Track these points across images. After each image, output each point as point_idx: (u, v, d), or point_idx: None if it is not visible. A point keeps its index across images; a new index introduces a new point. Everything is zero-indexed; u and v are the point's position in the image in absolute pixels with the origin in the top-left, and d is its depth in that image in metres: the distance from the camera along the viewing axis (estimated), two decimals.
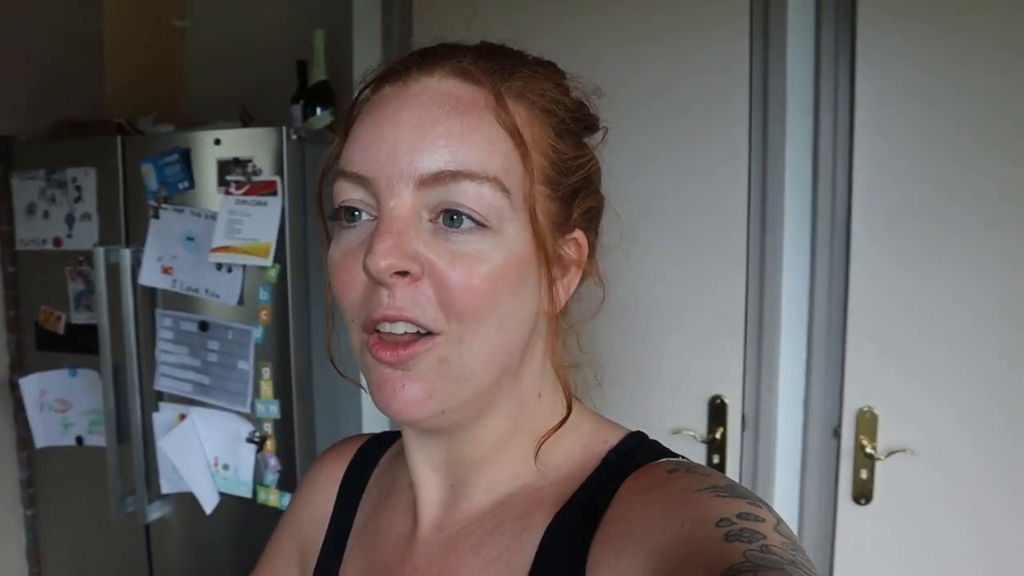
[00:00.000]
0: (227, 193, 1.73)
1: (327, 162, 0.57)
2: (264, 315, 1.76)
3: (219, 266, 1.78)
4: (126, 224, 1.92)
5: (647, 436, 0.59)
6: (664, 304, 1.82)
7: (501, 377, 0.54)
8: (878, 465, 1.69)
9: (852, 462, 1.72)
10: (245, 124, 2.05)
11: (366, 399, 2.08)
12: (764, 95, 1.71)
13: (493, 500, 0.58)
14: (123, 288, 1.84)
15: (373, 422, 2.09)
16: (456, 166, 0.48)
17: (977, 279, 1.61)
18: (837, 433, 1.73)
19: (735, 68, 1.72)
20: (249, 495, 1.82)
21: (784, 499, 1.77)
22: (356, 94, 0.55)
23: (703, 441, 1.82)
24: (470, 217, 0.49)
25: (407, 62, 0.53)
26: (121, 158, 1.90)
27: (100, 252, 1.84)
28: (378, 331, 0.50)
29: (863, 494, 1.71)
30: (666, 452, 0.57)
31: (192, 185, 1.80)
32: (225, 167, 1.76)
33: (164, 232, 1.83)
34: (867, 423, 1.70)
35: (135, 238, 1.91)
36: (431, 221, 0.50)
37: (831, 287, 1.71)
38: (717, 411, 1.81)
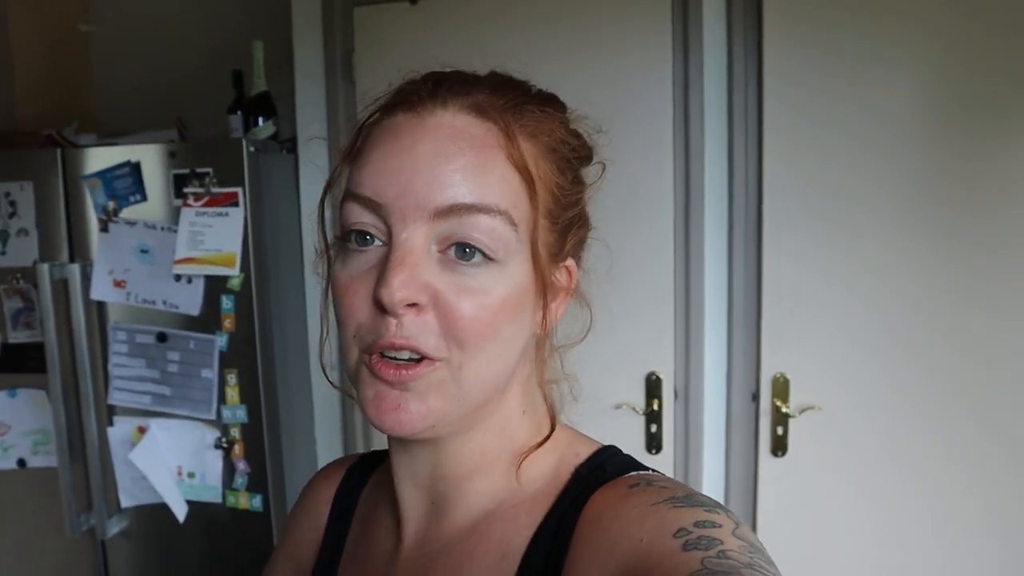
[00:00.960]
0: (186, 205, 1.77)
1: (331, 180, 0.59)
2: (228, 323, 1.82)
3: (178, 277, 1.82)
4: (70, 239, 1.91)
5: (620, 450, 0.62)
6: (604, 290, 2.02)
7: (492, 396, 0.57)
8: (791, 422, 1.98)
9: (770, 421, 1.99)
10: (182, 135, 2.08)
11: (318, 399, 2.17)
12: (685, 103, 1.95)
13: (473, 518, 0.59)
14: (73, 304, 1.85)
15: (324, 418, 2.18)
16: (471, 199, 0.51)
17: (871, 259, 1.93)
18: (756, 397, 2.00)
19: (661, 83, 1.94)
20: (219, 500, 1.88)
21: (712, 457, 2.03)
22: (365, 116, 0.58)
23: (642, 413, 2.04)
24: (480, 250, 0.52)
25: (420, 91, 0.55)
26: (62, 172, 1.89)
27: (44, 268, 1.84)
28: (381, 353, 0.52)
29: (780, 447, 1.99)
30: (635, 465, 0.59)
31: (145, 198, 1.83)
32: (182, 179, 1.79)
33: (115, 246, 1.86)
34: (781, 387, 1.98)
35: (79, 253, 1.91)
36: (440, 252, 0.52)
37: (746, 270, 1.98)
38: (653, 386, 2.04)
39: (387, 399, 0.52)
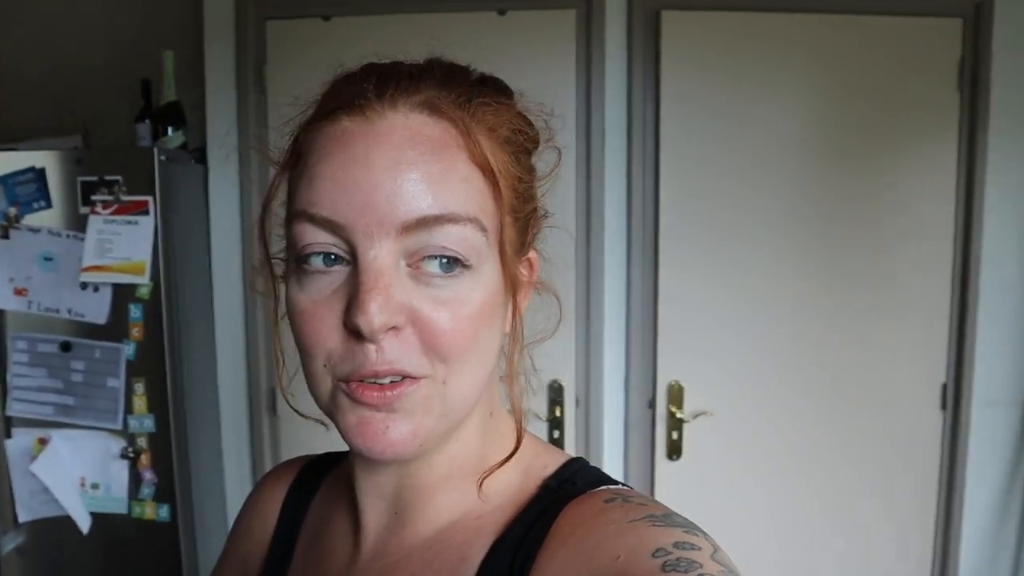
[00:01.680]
0: (94, 212, 1.78)
1: (270, 192, 0.56)
2: (136, 332, 1.83)
3: (84, 285, 1.82)
4: None
5: (587, 463, 0.61)
6: None
7: (474, 406, 0.56)
8: (685, 427, 2.13)
9: (665, 426, 2.14)
10: (86, 142, 2.06)
11: (224, 408, 2.18)
12: (587, 123, 2.09)
13: (435, 528, 0.58)
14: None
15: (231, 427, 2.19)
16: (439, 210, 0.48)
17: (759, 274, 2.13)
18: (652, 403, 2.14)
19: (564, 104, 2.06)
20: (124, 511, 1.88)
21: (612, 460, 2.17)
22: (303, 119, 0.54)
23: (546, 420, 2.15)
24: (454, 260, 0.50)
25: (363, 91, 0.51)
26: None
27: None
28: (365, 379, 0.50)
29: (674, 451, 2.13)
30: (605, 479, 0.58)
31: (50, 204, 1.81)
32: (89, 187, 1.79)
33: (16, 253, 1.85)
34: (675, 394, 2.13)
35: None
36: (410, 266, 0.50)
37: (644, 283, 2.13)
38: (556, 393, 2.16)
39: (373, 424, 0.50)
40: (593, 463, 0.61)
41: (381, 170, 0.48)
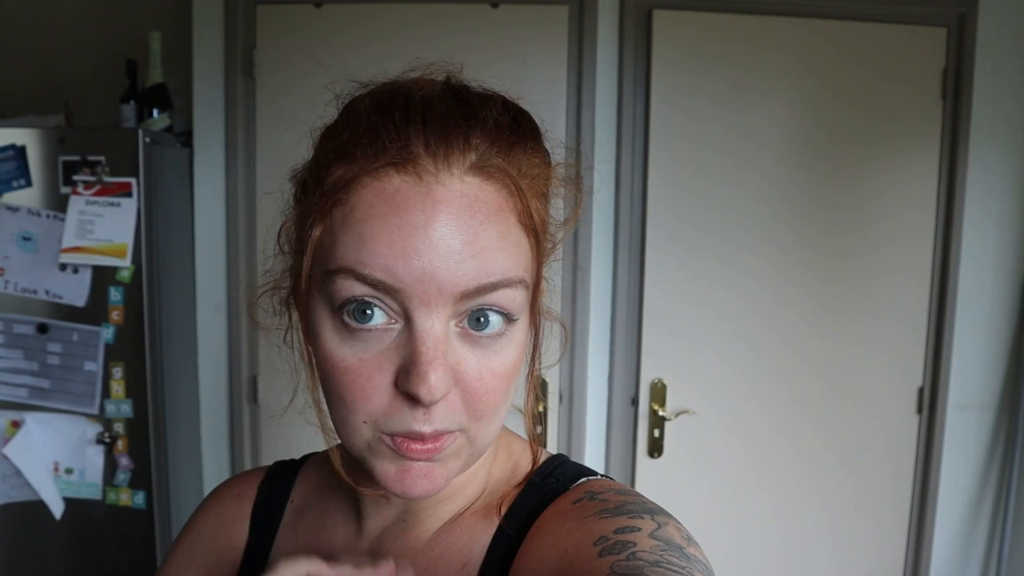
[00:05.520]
0: (75, 193, 1.75)
1: (306, 248, 0.53)
2: (116, 315, 1.81)
3: (63, 267, 1.79)
4: None
5: (567, 458, 0.64)
6: None
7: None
8: (667, 425, 2.14)
9: (647, 424, 2.16)
10: (68, 121, 2.03)
11: (204, 395, 2.16)
12: (578, 122, 2.10)
13: (436, 528, 0.61)
14: None
15: (209, 414, 2.17)
16: (496, 277, 0.49)
17: (744, 275, 2.15)
18: (635, 401, 2.16)
19: (555, 103, 2.08)
20: (98, 497, 1.85)
21: (593, 457, 2.18)
22: (329, 162, 0.52)
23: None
24: (500, 316, 0.51)
25: (410, 145, 0.49)
26: None
27: None
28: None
29: (656, 448, 2.15)
30: (584, 472, 0.61)
31: (30, 183, 1.79)
32: (71, 166, 1.77)
33: None
34: (658, 392, 2.14)
35: None
36: (458, 327, 0.51)
37: (629, 283, 2.14)
38: (540, 389, 2.15)
39: (413, 472, 0.51)
40: (574, 460, 0.64)
41: (441, 240, 0.48)
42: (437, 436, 0.50)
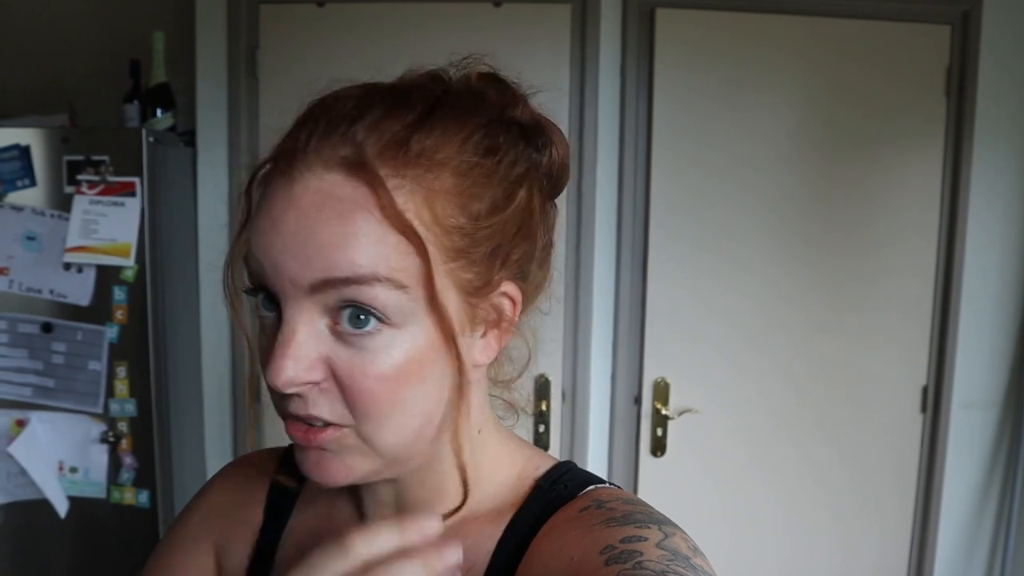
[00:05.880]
0: (79, 192, 1.76)
1: (240, 234, 0.56)
2: (120, 314, 1.82)
3: (67, 266, 1.80)
4: None
5: (575, 465, 0.63)
6: None
7: (423, 447, 0.56)
8: (670, 424, 2.15)
9: (650, 423, 2.16)
10: (72, 121, 2.04)
11: (207, 394, 2.17)
12: (580, 121, 2.11)
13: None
14: None
15: (213, 413, 2.18)
16: (343, 273, 0.49)
17: (747, 273, 2.15)
18: (638, 400, 2.16)
19: (558, 101, 2.08)
20: (103, 496, 1.86)
21: (596, 456, 2.18)
22: (258, 166, 0.55)
23: (531, 414, 2.15)
24: (368, 315, 0.50)
25: (298, 139, 0.52)
26: None
27: None
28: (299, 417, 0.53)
29: (659, 448, 2.15)
30: (592, 479, 0.61)
31: (34, 183, 1.79)
32: (75, 166, 1.78)
33: None
34: (661, 390, 2.14)
35: None
36: (330, 323, 0.51)
37: (632, 281, 2.15)
38: (542, 388, 2.16)
39: (309, 456, 0.53)
40: (577, 459, 0.66)
41: (289, 235, 0.50)
42: (320, 429, 0.52)
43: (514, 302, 0.57)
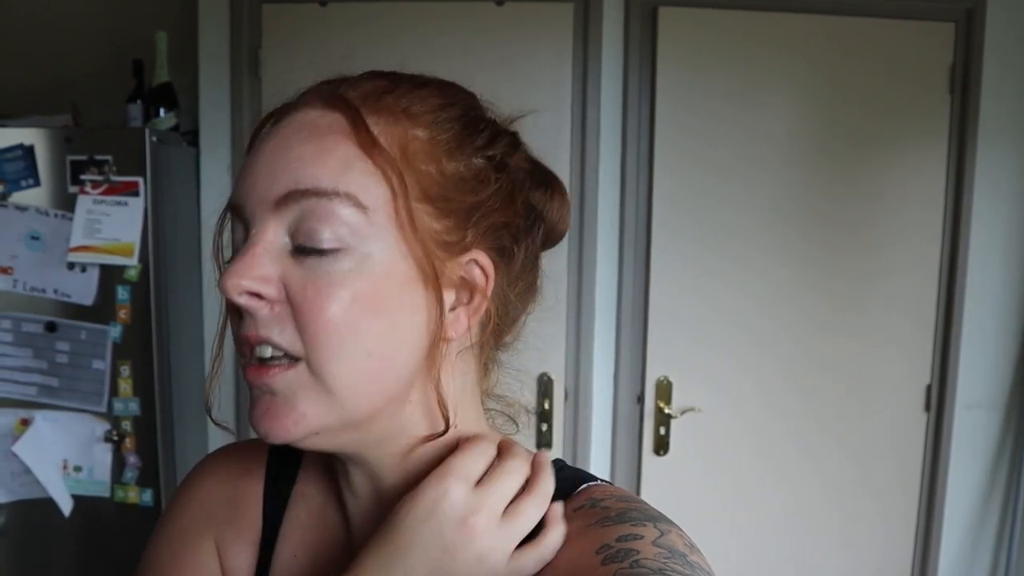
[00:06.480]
0: (83, 192, 1.77)
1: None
2: (123, 314, 1.83)
3: (71, 266, 1.81)
4: None
5: (565, 463, 0.62)
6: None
7: (386, 405, 0.54)
8: (673, 423, 2.15)
9: (653, 421, 2.16)
10: (76, 121, 2.05)
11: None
12: (583, 120, 2.11)
13: None
14: None
15: (217, 405, 2.17)
16: (304, 185, 0.50)
17: (749, 272, 2.15)
18: (640, 399, 2.16)
19: (561, 100, 2.09)
20: (106, 494, 1.87)
21: (599, 455, 2.19)
22: (253, 132, 0.58)
23: (534, 413, 2.16)
24: (326, 238, 0.50)
25: (288, 103, 0.57)
26: None
27: None
28: (254, 355, 0.52)
29: (661, 446, 2.15)
30: (584, 477, 0.60)
31: (38, 183, 1.80)
32: (79, 166, 1.78)
33: (2, 231, 1.85)
34: (664, 389, 2.15)
35: None
36: (293, 247, 0.52)
37: (635, 280, 2.15)
38: (545, 386, 2.17)
39: (258, 404, 0.52)
40: (580, 457, 0.65)
41: (266, 155, 0.53)
42: (268, 367, 0.51)
43: (486, 275, 0.56)
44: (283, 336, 0.50)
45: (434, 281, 0.53)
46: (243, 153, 0.57)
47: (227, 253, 0.57)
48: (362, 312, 0.51)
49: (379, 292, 0.51)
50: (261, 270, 0.50)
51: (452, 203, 0.54)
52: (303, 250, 0.51)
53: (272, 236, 0.51)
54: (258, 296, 0.51)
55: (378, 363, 0.52)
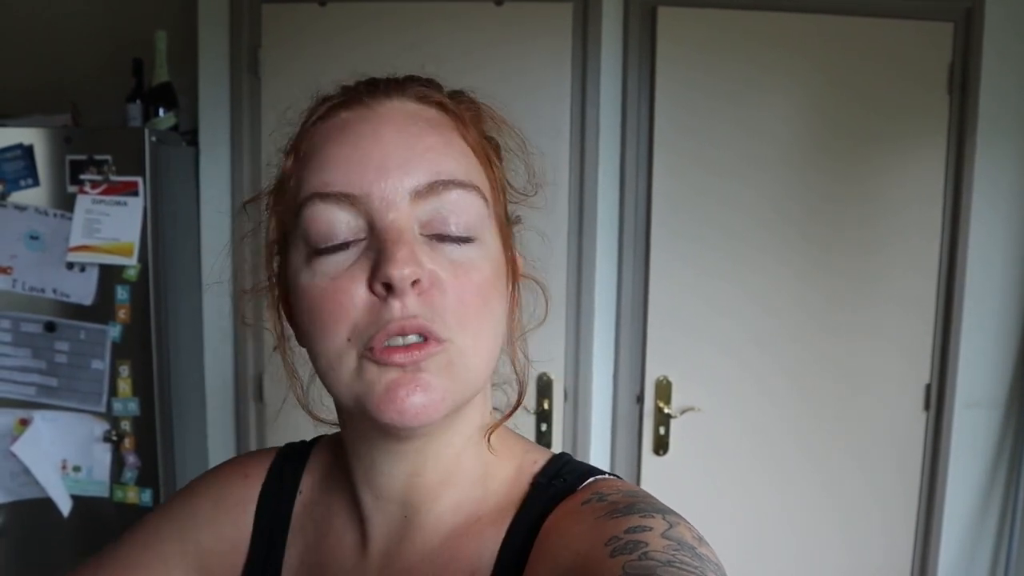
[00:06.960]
0: (82, 192, 1.77)
1: (276, 186, 0.60)
2: (123, 314, 1.83)
3: (70, 265, 1.81)
4: None
5: (572, 457, 0.63)
6: None
7: (485, 381, 0.58)
8: (673, 422, 2.15)
9: (652, 421, 2.16)
10: (75, 120, 2.05)
11: (210, 393, 2.17)
12: (582, 119, 2.11)
13: (442, 535, 0.59)
14: None
15: (216, 412, 2.18)
16: (447, 175, 0.53)
17: (749, 272, 2.16)
18: (640, 398, 2.16)
19: (560, 100, 2.09)
20: (105, 494, 1.87)
21: (598, 455, 2.19)
22: (305, 119, 0.58)
23: (533, 412, 2.16)
24: (463, 227, 0.53)
25: (358, 90, 0.57)
26: None
27: None
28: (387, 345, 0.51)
29: (661, 446, 2.15)
30: (592, 471, 0.60)
31: (37, 182, 1.80)
32: (78, 166, 1.78)
33: (1, 231, 1.84)
34: (663, 389, 2.15)
35: None
36: (423, 234, 0.53)
37: (634, 280, 2.15)
38: (544, 387, 2.17)
39: (403, 385, 0.51)
40: (580, 457, 0.64)
41: (390, 143, 0.53)
42: (420, 344, 0.51)
43: (517, 268, 0.62)
44: (435, 319, 0.51)
45: (512, 268, 0.59)
46: (299, 138, 0.58)
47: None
48: (493, 295, 0.55)
49: (498, 277, 0.56)
50: (420, 257, 0.51)
51: (506, 205, 0.60)
52: (442, 237, 0.53)
53: (411, 223, 0.52)
54: (414, 283, 0.51)
55: (496, 342, 0.57)
